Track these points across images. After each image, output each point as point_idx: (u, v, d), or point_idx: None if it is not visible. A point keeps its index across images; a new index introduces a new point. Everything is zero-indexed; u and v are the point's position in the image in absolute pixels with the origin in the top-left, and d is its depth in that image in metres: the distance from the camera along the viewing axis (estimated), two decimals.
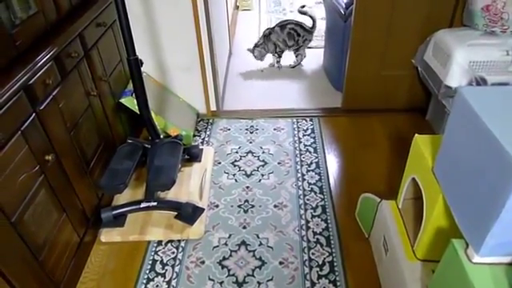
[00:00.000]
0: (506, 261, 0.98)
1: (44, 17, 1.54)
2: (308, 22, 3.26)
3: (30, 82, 1.34)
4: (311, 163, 2.27)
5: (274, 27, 3.24)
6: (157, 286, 1.65)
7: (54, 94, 1.49)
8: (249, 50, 3.29)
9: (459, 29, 2.23)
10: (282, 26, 3.21)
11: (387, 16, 2.33)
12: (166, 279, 1.67)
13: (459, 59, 2.00)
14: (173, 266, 1.72)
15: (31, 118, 1.34)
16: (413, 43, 2.41)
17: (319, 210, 1.96)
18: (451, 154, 1.14)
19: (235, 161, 2.31)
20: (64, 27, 1.63)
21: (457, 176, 1.10)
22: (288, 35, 3.20)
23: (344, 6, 2.69)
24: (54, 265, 1.47)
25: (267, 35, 3.22)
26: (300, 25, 3.22)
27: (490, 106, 1.00)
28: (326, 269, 1.69)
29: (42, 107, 1.40)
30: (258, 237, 1.84)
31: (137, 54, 1.84)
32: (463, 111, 1.06)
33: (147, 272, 1.70)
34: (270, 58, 3.38)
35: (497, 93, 1.12)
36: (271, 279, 1.65)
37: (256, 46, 3.25)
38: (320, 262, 1.71)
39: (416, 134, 1.39)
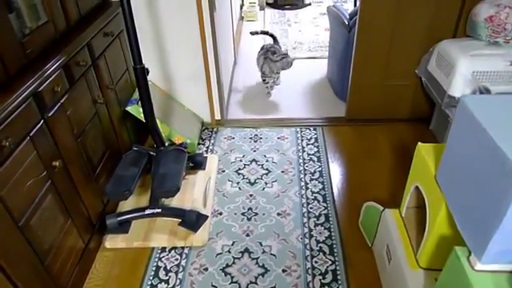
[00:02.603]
0: (508, 269, 0.98)
1: (53, 26, 1.58)
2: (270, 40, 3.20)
3: (39, 89, 1.37)
4: (315, 172, 2.28)
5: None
6: (163, 281, 1.66)
7: (62, 101, 1.52)
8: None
9: (462, 39, 2.25)
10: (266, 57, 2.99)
11: (391, 26, 2.36)
12: (170, 286, 1.67)
13: (463, 69, 2.02)
14: (176, 273, 1.73)
15: (40, 124, 1.37)
16: (416, 53, 2.43)
17: (322, 219, 1.97)
18: (454, 162, 1.15)
19: (239, 169, 2.33)
20: (73, 36, 1.66)
21: (459, 184, 1.11)
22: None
23: (348, 16, 2.72)
24: (60, 270, 1.49)
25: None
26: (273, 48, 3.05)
27: (492, 115, 1.01)
28: (329, 277, 1.68)
29: (50, 114, 1.43)
30: (261, 244, 1.84)
31: (143, 62, 1.87)
32: (466, 119, 1.07)
33: (151, 278, 1.71)
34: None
35: (499, 101, 1.13)
36: (274, 287, 1.65)
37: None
38: (323, 271, 1.71)
39: (419, 143, 1.40)
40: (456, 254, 1.04)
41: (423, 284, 1.32)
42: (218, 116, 2.75)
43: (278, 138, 2.59)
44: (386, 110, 2.69)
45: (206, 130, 2.70)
